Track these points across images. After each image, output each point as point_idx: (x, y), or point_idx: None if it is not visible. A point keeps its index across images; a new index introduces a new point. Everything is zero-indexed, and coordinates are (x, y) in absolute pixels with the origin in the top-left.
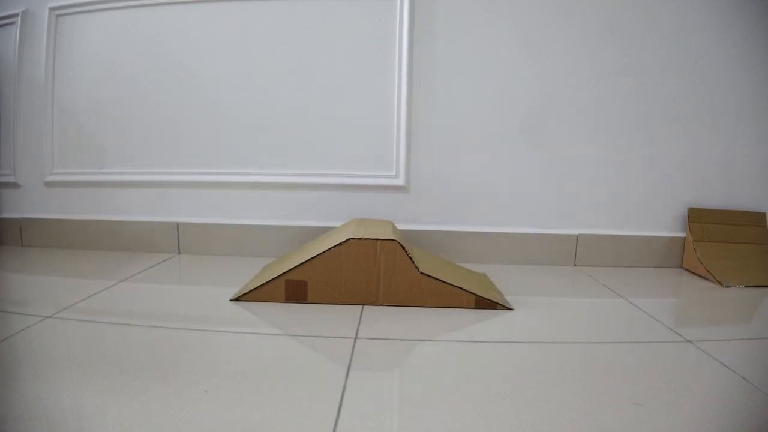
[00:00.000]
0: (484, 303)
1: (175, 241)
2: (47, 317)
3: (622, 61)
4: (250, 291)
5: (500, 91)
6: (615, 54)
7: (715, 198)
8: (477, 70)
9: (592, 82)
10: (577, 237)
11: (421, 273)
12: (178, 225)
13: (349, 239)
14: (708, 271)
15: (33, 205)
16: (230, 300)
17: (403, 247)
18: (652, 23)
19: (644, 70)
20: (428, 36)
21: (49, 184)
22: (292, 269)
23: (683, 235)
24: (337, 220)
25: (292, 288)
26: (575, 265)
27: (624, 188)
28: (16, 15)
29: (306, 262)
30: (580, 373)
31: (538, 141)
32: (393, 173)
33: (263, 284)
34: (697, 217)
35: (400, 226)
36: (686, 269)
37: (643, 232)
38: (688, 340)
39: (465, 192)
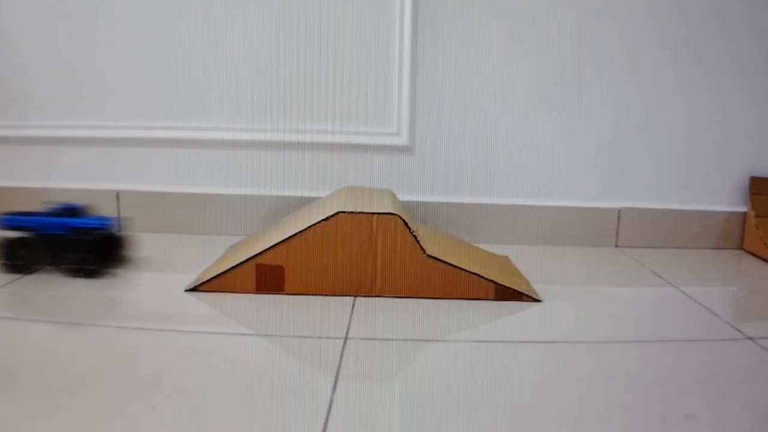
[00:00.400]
0: (507, 293)
1: (114, 214)
2: None
3: (670, 4)
4: (210, 279)
5: (526, 35)
6: None
7: None
8: (496, 16)
9: (636, 26)
10: (620, 211)
11: (428, 256)
12: (118, 193)
13: (337, 213)
14: None
15: None
16: (185, 290)
17: (406, 224)
18: None
19: (699, 16)
20: None
21: None
22: (264, 251)
23: (744, 209)
24: (322, 188)
25: (265, 275)
26: (617, 245)
27: (674, 153)
28: None
29: (283, 241)
30: (622, 379)
31: (572, 96)
32: (394, 130)
33: (228, 270)
34: (760, 188)
35: (403, 197)
36: (747, 251)
37: (697, 206)
38: (749, 338)
39: (483, 155)
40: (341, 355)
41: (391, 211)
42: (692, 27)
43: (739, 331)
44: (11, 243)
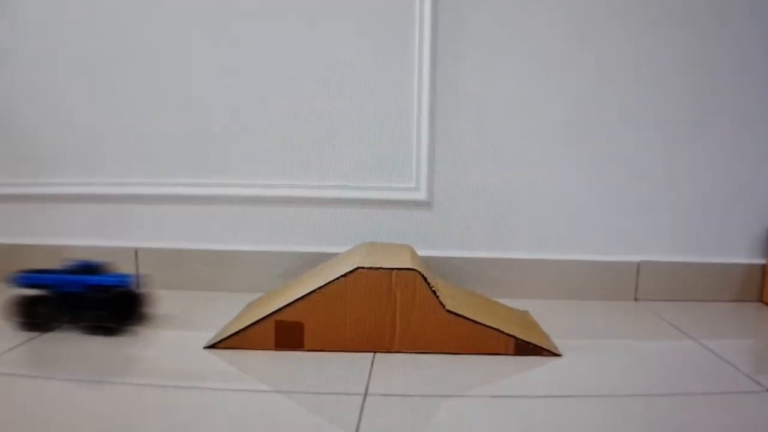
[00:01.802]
0: (527, 348)
1: (133, 271)
2: None
3: (687, 53)
4: (229, 336)
5: (542, 88)
6: (679, 43)
7: None
8: (514, 60)
9: (652, 76)
10: (639, 265)
11: (448, 311)
12: (136, 250)
13: (356, 269)
14: None
15: None
16: (204, 347)
17: (425, 279)
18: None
19: (717, 63)
20: (454, 15)
21: None
22: (284, 307)
23: (762, 261)
24: (341, 244)
25: (285, 331)
26: (636, 299)
27: (692, 204)
28: None
29: (302, 298)
30: None
31: (588, 148)
32: (412, 185)
33: (247, 327)
34: None
35: (421, 252)
36: (767, 303)
37: (715, 259)
38: None
39: (500, 209)
40: (361, 412)
41: (410, 266)
42: (709, 74)
43: (759, 383)
44: (29, 301)
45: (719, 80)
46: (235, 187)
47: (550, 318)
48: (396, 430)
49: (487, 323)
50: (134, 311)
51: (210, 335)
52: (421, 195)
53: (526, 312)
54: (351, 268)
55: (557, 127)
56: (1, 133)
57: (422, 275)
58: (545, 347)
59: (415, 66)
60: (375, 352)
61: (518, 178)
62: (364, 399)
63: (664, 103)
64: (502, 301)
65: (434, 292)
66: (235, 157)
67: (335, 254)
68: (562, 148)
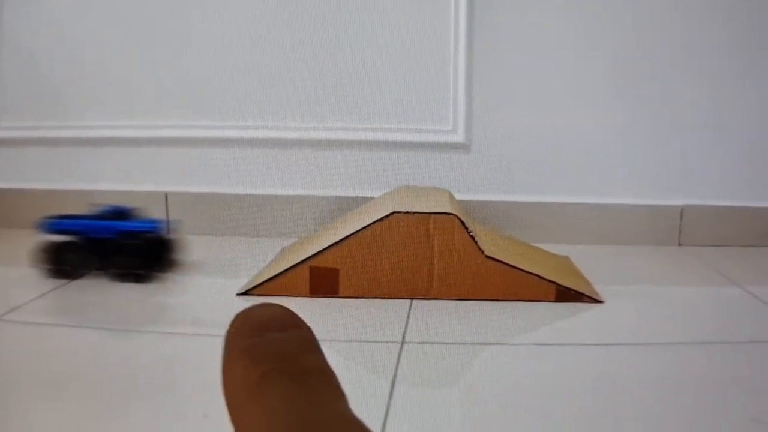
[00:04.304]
0: (568, 295)
1: (163, 216)
2: None
3: None
4: (263, 282)
5: (589, 29)
6: None
7: None
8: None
9: (698, 18)
10: (682, 209)
11: (487, 256)
12: (166, 195)
13: (392, 213)
14: None
15: None
16: (237, 294)
17: (463, 223)
18: None
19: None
20: None
21: None
22: (318, 253)
23: None
24: (377, 188)
25: (320, 278)
26: (680, 244)
27: (740, 148)
28: None
29: (337, 243)
30: (685, 381)
31: (635, 91)
32: (449, 127)
33: (281, 273)
34: None
35: (460, 196)
36: None
37: (762, 203)
38: None
39: (541, 152)
40: (398, 360)
41: (447, 210)
42: (755, 16)
43: None
44: (58, 247)
45: (764, 21)
46: (268, 129)
47: (591, 263)
48: (434, 379)
49: (527, 269)
50: (164, 257)
51: (243, 282)
52: (459, 137)
53: (567, 257)
54: (387, 213)
55: (600, 70)
56: (32, 78)
57: (460, 220)
58: (587, 293)
59: (452, 5)
60: (412, 299)
61: (559, 121)
62: (402, 347)
63: (709, 47)
64: (542, 246)
65: (473, 237)
66: (269, 99)
67: (371, 198)
68: (606, 90)
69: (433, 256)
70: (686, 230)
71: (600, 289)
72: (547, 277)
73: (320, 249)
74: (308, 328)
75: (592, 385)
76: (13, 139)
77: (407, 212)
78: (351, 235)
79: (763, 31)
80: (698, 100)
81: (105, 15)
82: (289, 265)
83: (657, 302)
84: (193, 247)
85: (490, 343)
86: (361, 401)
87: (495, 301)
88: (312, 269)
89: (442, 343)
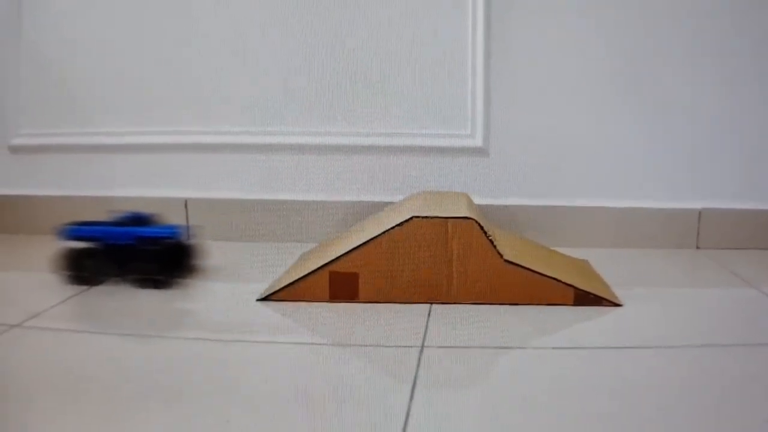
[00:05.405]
0: (587, 298)
1: (183, 222)
2: (13, 326)
3: None
4: (283, 288)
5: (601, 30)
6: None
7: None
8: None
9: (710, 15)
10: (700, 212)
11: (506, 261)
12: (186, 201)
13: (411, 218)
14: None
15: None
16: (257, 300)
17: (482, 227)
18: None
19: None
20: None
21: (14, 149)
22: (338, 258)
23: None
24: (395, 193)
25: (339, 282)
26: (698, 247)
27: (756, 149)
28: None
29: (356, 248)
30: (703, 384)
31: (647, 92)
32: (467, 132)
33: (300, 278)
34: None
35: (478, 200)
36: None
37: None
38: None
39: (559, 156)
40: (418, 364)
41: (466, 215)
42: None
43: None
44: (77, 254)
45: None
46: (287, 135)
47: (610, 267)
48: (454, 383)
49: (545, 273)
50: (184, 263)
51: (262, 287)
52: (477, 142)
53: (585, 261)
54: (406, 218)
55: (617, 74)
56: (50, 85)
57: (479, 224)
58: (605, 297)
59: (469, 8)
60: (431, 303)
61: (577, 125)
62: (421, 351)
63: (722, 44)
64: (561, 250)
65: (491, 241)
66: (288, 105)
67: (390, 203)
68: (623, 94)
69: (452, 261)
70: (704, 233)
71: (619, 292)
72: (565, 280)
73: (340, 254)
74: None
75: (611, 388)
76: (32, 146)
77: (426, 217)
78: (370, 240)
79: None
80: (713, 99)
81: (123, 22)
82: (308, 271)
83: (676, 305)
84: (213, 252)
85: (510, 347)
86: (381, 405)
87: (514, 305)
88: (332, 274)
89: (461, 347)
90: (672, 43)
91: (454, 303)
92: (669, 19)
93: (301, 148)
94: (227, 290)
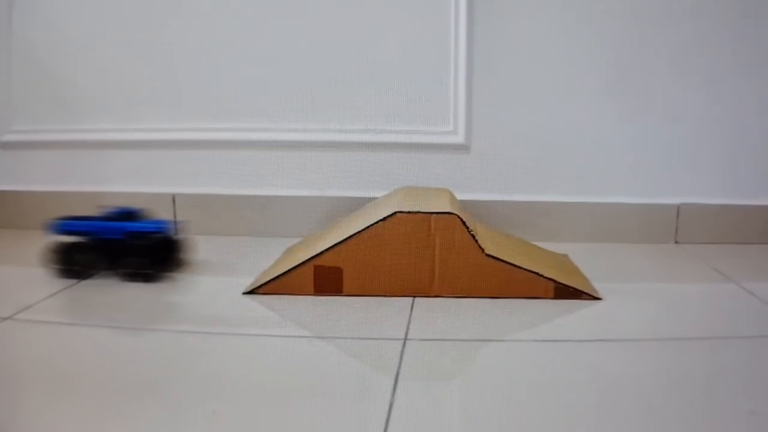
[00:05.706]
0: (566, 292)
1: (170, 217)
2: (4, 319)
3: None
4: (268, 281)
5: (584, 28)
6: None
7: None
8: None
9: (692, 14)
10: (679, 207)
11: (487, 255)
12: (174, 197)
13: (395, 213)
14: None
15: None
16: (243, 293)
17: (464, 223)
18: None
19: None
20: None
21: (5, 145)
22: (322, 252)
23: None
24: (379, 189)
25: (323, 276)
26: (676, 242)
27: (736, 145)
28: None
29: (340, 243)
30: (682, 377)
31: (628, 90)
32: (450, 128)
33: (285, 272)
34: None
35: (460, 196)
36: None
37: (758, 201)
38: None
39: (540, 152)
40: (401, 357)
41: (448, 210)
42: (752, 12)
43: None
44: (67, 248)
45: (763, 12)
46: (272, 131)
47: (590, 261)
48: (436, 375)
49: (526, 267)
50: (172, 257)
51: (248, 281)
52: (459, 138)
53: (565, 256)
54: (389, 213)
55: (597, 70)
56: (39, 80)
57: (461, 219)
58: (585, 291)
59: (452, 5)
60: (414, 297)
61: (557, 121)
62: (404, 344)
63: (704, 44)
64: (541, 244)
65: (473, 236)
66: (272, 101)
67: (373, 199)
68: (602, 91)
69: (434, 255)
70: (683, 228)
71: (598, 286)
72: (546, 274)
73: (324, 248)
74: None
75: (591, 380)
76: (23, 142)
77: (409, 212)
78: (354, 234)
79: (760, 27)
80: (694, 97)
81: (113, 19)
82: (293, 265)
83: (655, 299)
84: (200, 247)
85: (491, 340)
86: (364, 397)
87: (495, 298)
88: (316, 268)
89: (443, 339)
90: (655, 42)
91: (437, 296)
92: (653, 17)
93: (284, 145)
94: (214, 284)
